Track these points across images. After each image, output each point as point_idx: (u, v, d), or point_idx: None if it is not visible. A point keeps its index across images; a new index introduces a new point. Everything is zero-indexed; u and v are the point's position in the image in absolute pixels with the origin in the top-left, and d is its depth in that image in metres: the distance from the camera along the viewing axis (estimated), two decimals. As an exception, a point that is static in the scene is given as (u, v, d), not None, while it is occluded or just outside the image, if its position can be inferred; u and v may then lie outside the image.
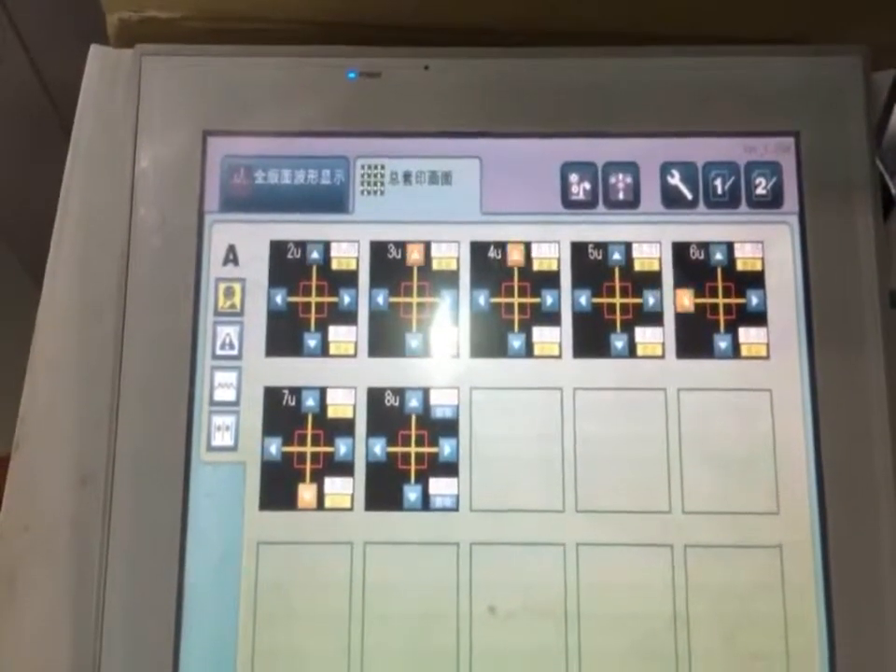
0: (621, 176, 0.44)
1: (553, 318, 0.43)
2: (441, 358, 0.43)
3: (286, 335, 0.43)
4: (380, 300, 0.43)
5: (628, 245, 0.44)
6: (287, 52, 0.46)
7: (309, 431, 0.42)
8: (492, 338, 0.43)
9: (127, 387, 0.42)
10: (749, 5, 0.47)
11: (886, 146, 0.50)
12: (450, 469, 0.41)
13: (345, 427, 0.42)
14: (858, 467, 0.41)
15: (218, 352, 0.43)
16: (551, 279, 0.43)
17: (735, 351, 0.43)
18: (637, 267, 0.44)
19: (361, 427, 0.42)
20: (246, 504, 0.41)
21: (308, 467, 0.42)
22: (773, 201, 0.44)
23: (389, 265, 0.43)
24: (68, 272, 0.46)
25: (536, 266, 0.44)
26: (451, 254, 0.44)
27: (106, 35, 0.49)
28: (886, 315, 0.43)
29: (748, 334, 0.43)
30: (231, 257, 0.44)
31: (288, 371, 0.42)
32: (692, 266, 0.44)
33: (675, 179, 0.44)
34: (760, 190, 0.44)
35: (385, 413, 0.42)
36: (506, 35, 0.47)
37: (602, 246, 0.44)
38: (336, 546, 0.41)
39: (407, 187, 0.44)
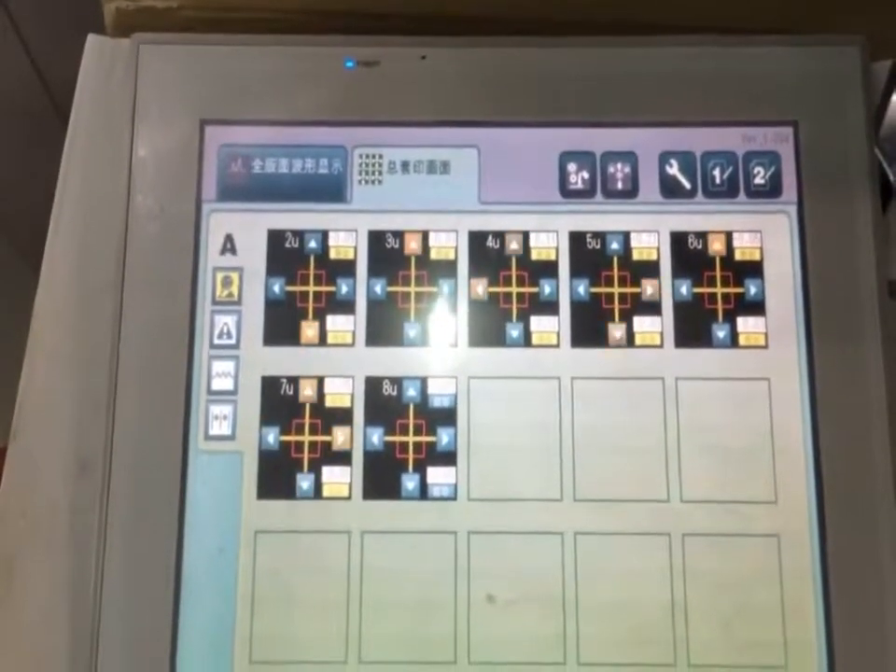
0: (619, 166, 0.44)
1: (551, 308, 0.43)
2: (439, 348, 0.43)
3: (283, 324, 0.43)
4: (378, 289, 0.43)
5: (626, 235, 0.44)
6: (284, 41, 0.46)
7: (307, 420, 0.42)
8: (490, 327, 0.43)
9: (125, 376, 0.42)
10: (747, -6, 0.47)
11: (884, 135, 0.50)
12: (448, 458, 0.41)
13: (343, 417, 0.42)
14: (855, 456, 0.41)
15: (216, 341, 0.43)
16: (549, 268, 0.43)
17: (734, 340, 0.43)
18: (636, 256, 0.44)
19: (359, 417, 0.42)
20: (244, 493, 0.41)
21: (306, 456, 0.42)
22: (771, 190, 0.44)
23: (387, 254, 0.43)
24: (66, 260, 0.46)
25: (534, 255, 0.44)
26: (449, 243, 0.43)
27: (103, 25, 0.49)
28: (884, 305, 0.43)
29: (746, 324, 0.43)
30: (229, 246, 0.44)
31: (286, 360, 0.42)
32: (690, 255, 0.44)
33: (673, 169, 0.44)
34: (758, 180, 0.44)
35: (383, 403, 0.42)
36: (504, 24, 0.47)
37: (600, 236, 0.44)
38: (334, 535, 0.41)
39: (405, 176, 0.44)
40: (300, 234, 0.43)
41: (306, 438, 0.42)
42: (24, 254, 0.74)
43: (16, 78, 0.70)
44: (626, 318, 0.43)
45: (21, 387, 0.44)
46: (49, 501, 0.42)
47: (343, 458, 0.41)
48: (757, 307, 0.43)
